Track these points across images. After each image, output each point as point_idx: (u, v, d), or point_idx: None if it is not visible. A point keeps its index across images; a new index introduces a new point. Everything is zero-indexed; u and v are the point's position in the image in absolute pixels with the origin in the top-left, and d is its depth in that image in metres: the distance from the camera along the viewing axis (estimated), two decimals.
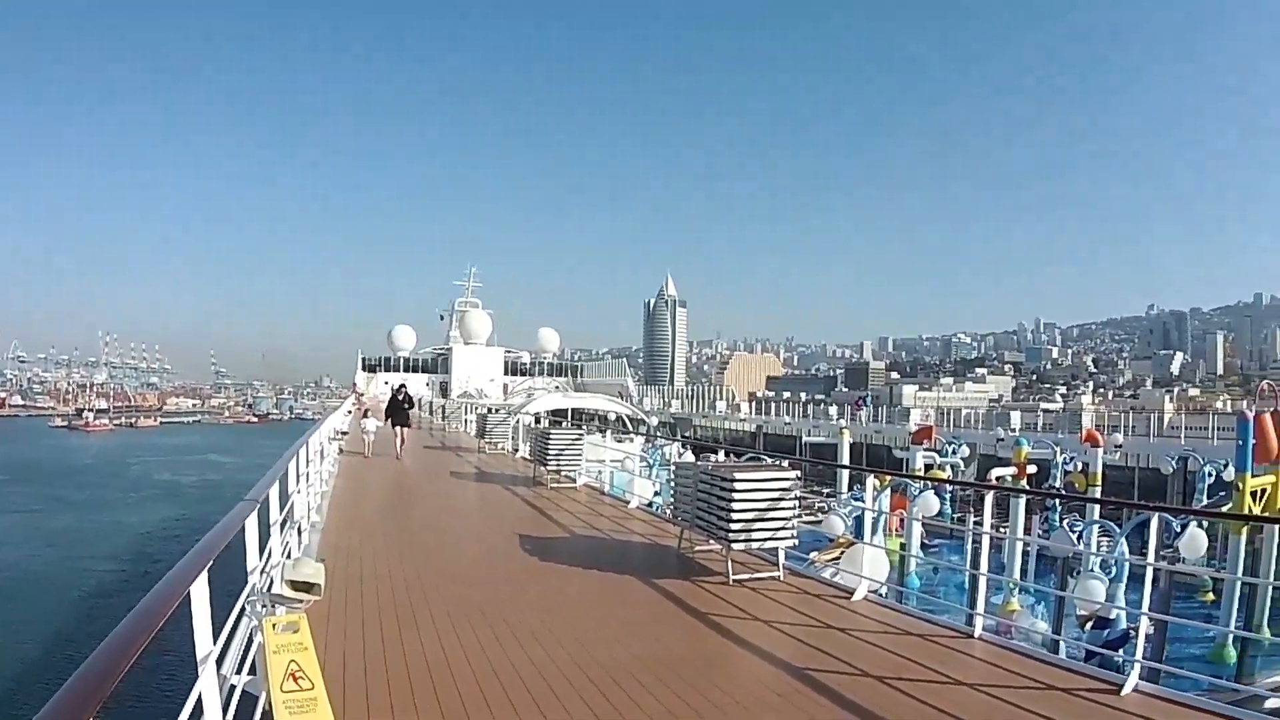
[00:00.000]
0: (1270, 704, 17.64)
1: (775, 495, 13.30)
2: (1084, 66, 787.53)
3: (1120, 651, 19.98)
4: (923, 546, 35.10)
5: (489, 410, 45.90)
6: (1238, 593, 25.45)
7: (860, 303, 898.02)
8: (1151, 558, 10.88)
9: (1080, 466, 38.22)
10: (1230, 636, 24.82)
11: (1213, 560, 30.81)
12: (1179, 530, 24.43)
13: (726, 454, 18.12)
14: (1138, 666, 8.70)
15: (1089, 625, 21.85)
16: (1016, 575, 29.03)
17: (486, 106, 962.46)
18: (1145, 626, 10.50)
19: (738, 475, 13.18)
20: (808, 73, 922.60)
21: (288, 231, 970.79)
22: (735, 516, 13.00)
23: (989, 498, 12.95)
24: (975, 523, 34.27)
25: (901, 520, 31.53)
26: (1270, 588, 26.07)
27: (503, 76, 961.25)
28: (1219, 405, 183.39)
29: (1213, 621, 27.71)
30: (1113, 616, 19.06)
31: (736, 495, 13.03)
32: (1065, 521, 28.72)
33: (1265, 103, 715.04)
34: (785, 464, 14.65)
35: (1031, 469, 36.96)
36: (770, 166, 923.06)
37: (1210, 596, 30.46)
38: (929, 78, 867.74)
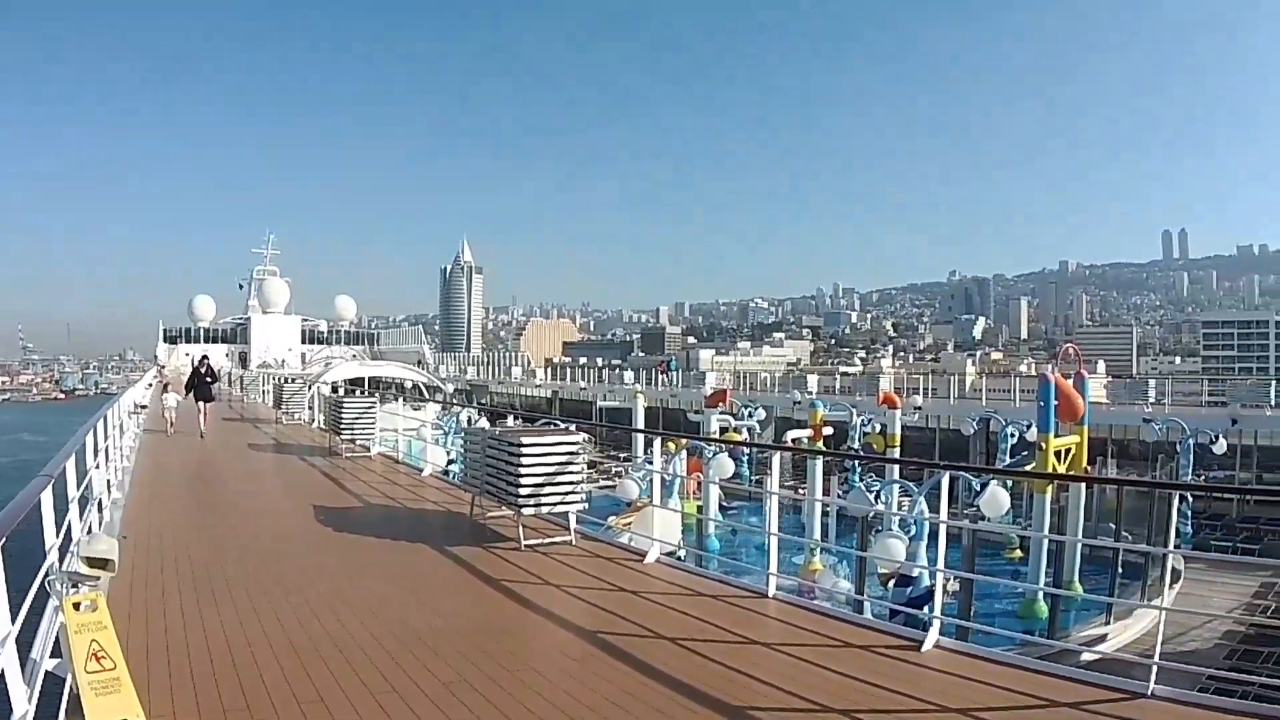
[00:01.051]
0: (1086, 657, 18.09)
1: (562, 459, 13.48)
2: (886, 28, 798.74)
3: (925, 609, 20.37)
4: (722, 509, 35.40)
5: (286, 380, 45.25)
6: (1045, 550, 26.16)
7: (657, 268, 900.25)
8: (944, 514, 10.98)
9: (878, 428, 38.87)
10: (1041, 592, 25.42)
11: (1019, 519, 31.49)
12: (980, 489, 24.92)
13: (516, 420, 17.94)
14: (937, 623, 8.85)
15: (892, 584, 22.23)
16: (817, 535, 29.49)
17: (278, 67, 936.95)
18: (942, 583, 10.69)
19: (524, 440, 13.35)
20: (593, 31, 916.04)
21: (88, 196, 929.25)
22: (524, 481, 13.14)
23: (776, 459, 12.98)
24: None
25: (699, 483, 31.66)
26: (1079, 544, 26.75)
27: (292, 35, 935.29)
28: (1023, 369, 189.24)
29: (1020, 578, 28.68)
30: (915, 574, 19.33)
31: (524, 460, 13.15)
32: (863, 482, 29.09)
33: (1069, 75, 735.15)
34: (573, 428, 14.57)
35: (828, 431, 37.77)
36: (561, 131, 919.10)
37: (1018, 554, 31.46)
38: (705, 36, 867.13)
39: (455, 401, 72.06)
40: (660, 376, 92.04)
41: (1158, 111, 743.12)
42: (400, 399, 29.99)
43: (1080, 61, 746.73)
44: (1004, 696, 7.48)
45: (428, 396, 63.19)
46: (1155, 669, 7.45)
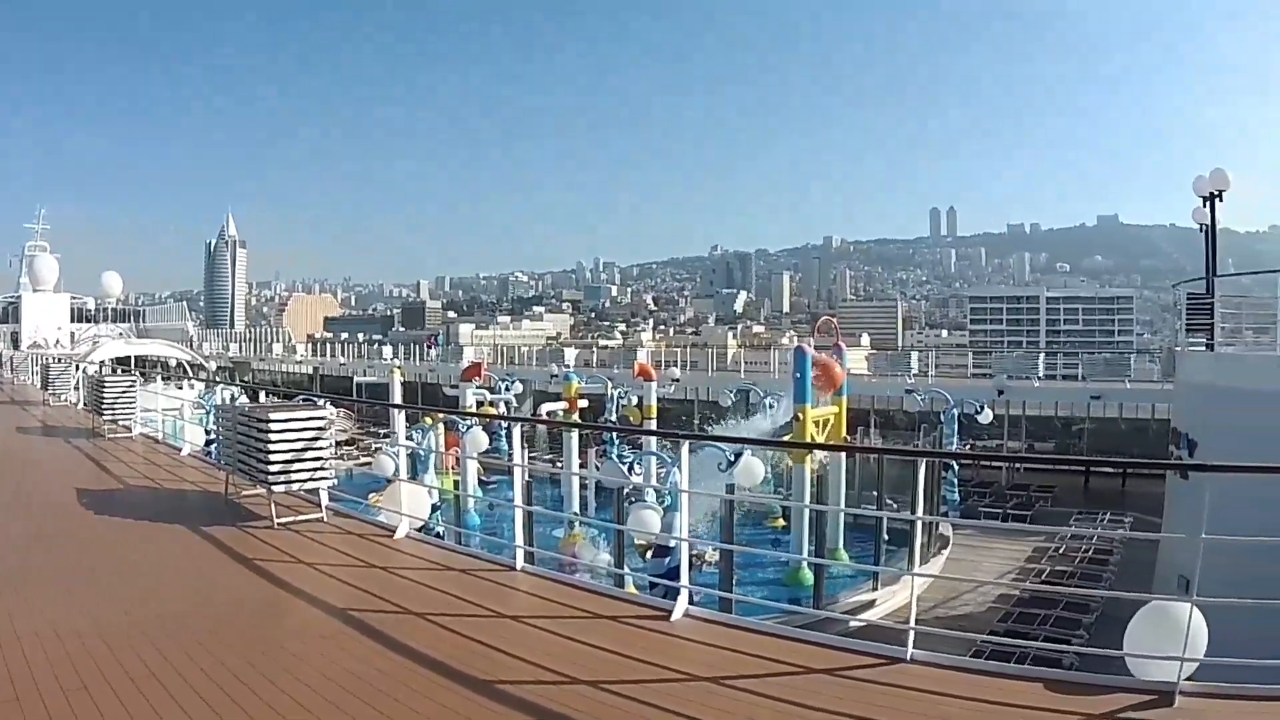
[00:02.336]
0: (855, 624, 18.59)
1: (312, 435, 13.64)
2: (648, 16, 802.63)
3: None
4: (482, 484, 35.37)
5: (53, 360, 43.71)
6: (806, 518, 26.61)
7: (417, 241, 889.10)
8: (684, 483, 11.17)
9: (634, 400, 39.21)
10: (805, 561, 25.87)
11: (782, 487, 32.09)
12: (734, 459, 25.30)
13: (267, 395, 17.73)
14: (685, 592, 8.88)
15: (650, 555, 22.49)
16: (576, 508, 29.66)
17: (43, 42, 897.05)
18: (687, 552, 10.79)
19: (272, 415, 13.50)
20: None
21: None
22: (273, 458, 13.21)
23: (517, 430, 13.05)
24: (531, 458, 34.80)
25: (458, 458, 31.60)
26: (840, 516, 27.44)
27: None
28: (784, 342, 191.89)
29: (782, 547, 29.21)
30: (672, 545, 19.60)
31: (272, 436, 13.24)
32: (617, 454, 29.38)
33: (835, 50, 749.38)
34: (322, 403, 14.46)
35: (583, 403, 37.88)
36: (321, 101, 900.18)
37: (781, 523, 31.94)
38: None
39: (219, 379, 70.66)
40: (429, 351, 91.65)
41: (926, 90, 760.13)
42: (162, 378, 29.38)
43: (845, 38, 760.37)
44: (757, 664, 7.51)
45: (191, 375, 61.51)
46: (913, 634, 7.65)
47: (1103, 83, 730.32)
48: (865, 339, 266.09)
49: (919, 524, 26.68)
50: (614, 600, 9.57)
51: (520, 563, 10.62)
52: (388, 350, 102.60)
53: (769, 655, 7.70)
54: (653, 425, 36.59)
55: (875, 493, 28.07)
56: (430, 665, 7.63)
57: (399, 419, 24.28)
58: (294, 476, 13.27)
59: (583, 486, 31.35)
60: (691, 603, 8.93)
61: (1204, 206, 26.50)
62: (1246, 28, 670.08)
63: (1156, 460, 27.74)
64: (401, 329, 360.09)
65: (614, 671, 7.50)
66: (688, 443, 10.41)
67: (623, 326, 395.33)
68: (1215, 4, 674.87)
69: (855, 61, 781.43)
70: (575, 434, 29.84)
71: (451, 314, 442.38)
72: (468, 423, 30.89)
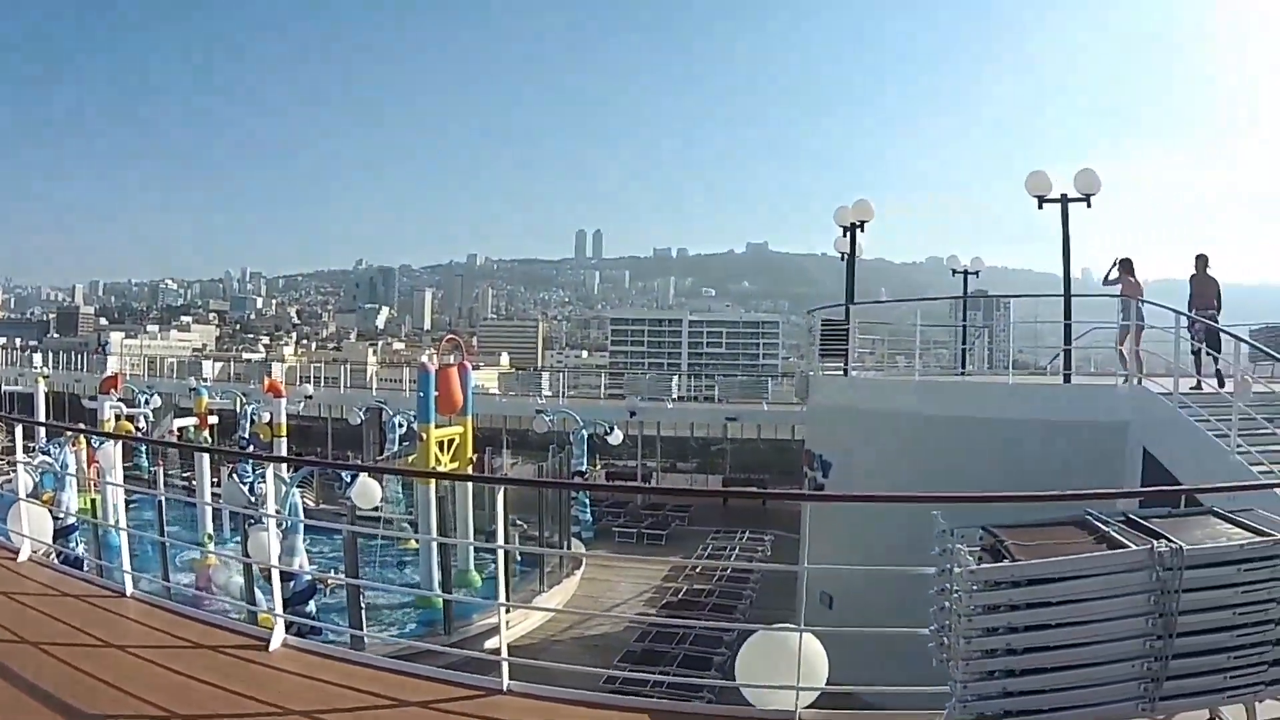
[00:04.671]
0: (490, 645, 18.51)
1: None
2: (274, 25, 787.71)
3: (311, 603, 20.30)
4: (126, 504, 34.08)
5: None
6: (434, 543, 26.39)
7: (72, 244, 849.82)
8: (285, 508, 10.95)
9: (267, 417, 38.43)
10: (436, 583, 25.65)
11: (414, 507, 31.86)
12: (350, 480, 25.01)
13: None
14: (281, 621, 8.60)
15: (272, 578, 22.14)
16: (209, 528, 28.84)
17: None
18: (278, 579, 10.62)
19: None
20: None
21: None
22: None
23: (117, 448, 12.54)
24: (168, 474, 33.69)
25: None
26: (469, 535, 27.34)
27: None
28: (423, 359, 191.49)
29: (412, 567, 29.41)
30: (296, 568, 19.22)
31: None
32: (236, 474, 28.77)
33: (473, 79, 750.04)
34: None
35: (214, 419, 36.80)
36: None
37: (414, 544, 31.56)
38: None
39: None
40: (93, 358, 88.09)
41: (576, 115, 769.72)
42: None
43: (487, 59, 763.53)
44: (353, 697, 7.41)
45: None
46: (506, 666, 7.61)
47: (757, 112, 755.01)
48: (505, 358, 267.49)
49: (560, 545, 27.11)
50: (214, 628, 9.16)
51: (130, 588, 10.20)
52: (37, 357, 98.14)
53: (363, 688, 7.58)
54: (283, 443, 35.92)
55: (500, 516, 28.12)
56: (38, 696, 7.18)
57: (17, 432, 23.55)
58: None
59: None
60: (299, 634, 8.72)
61: (844, 236, 27.47)
62: (893, 64, 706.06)
63: (750, 489, 28.72)
64: (56, 335, 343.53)
65: (211, 704, 7.19)
66: (281, 464, 10.18)
67: (267, 340, 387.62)
68: (867, 40, 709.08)
69: (499, 85, 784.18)
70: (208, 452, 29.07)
71: (104, 320, 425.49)
72: (99, 439, 29.57)
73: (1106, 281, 22.68)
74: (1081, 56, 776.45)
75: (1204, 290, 21.73)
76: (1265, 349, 19.33)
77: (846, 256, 27.52)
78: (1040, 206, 22.20)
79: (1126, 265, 22.67)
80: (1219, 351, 19.76)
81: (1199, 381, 18.71)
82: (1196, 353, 19.65)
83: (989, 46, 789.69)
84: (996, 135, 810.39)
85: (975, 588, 6.17)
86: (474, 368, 37.02)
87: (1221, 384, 18.50)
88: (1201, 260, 22.65)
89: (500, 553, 11.34)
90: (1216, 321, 20.46)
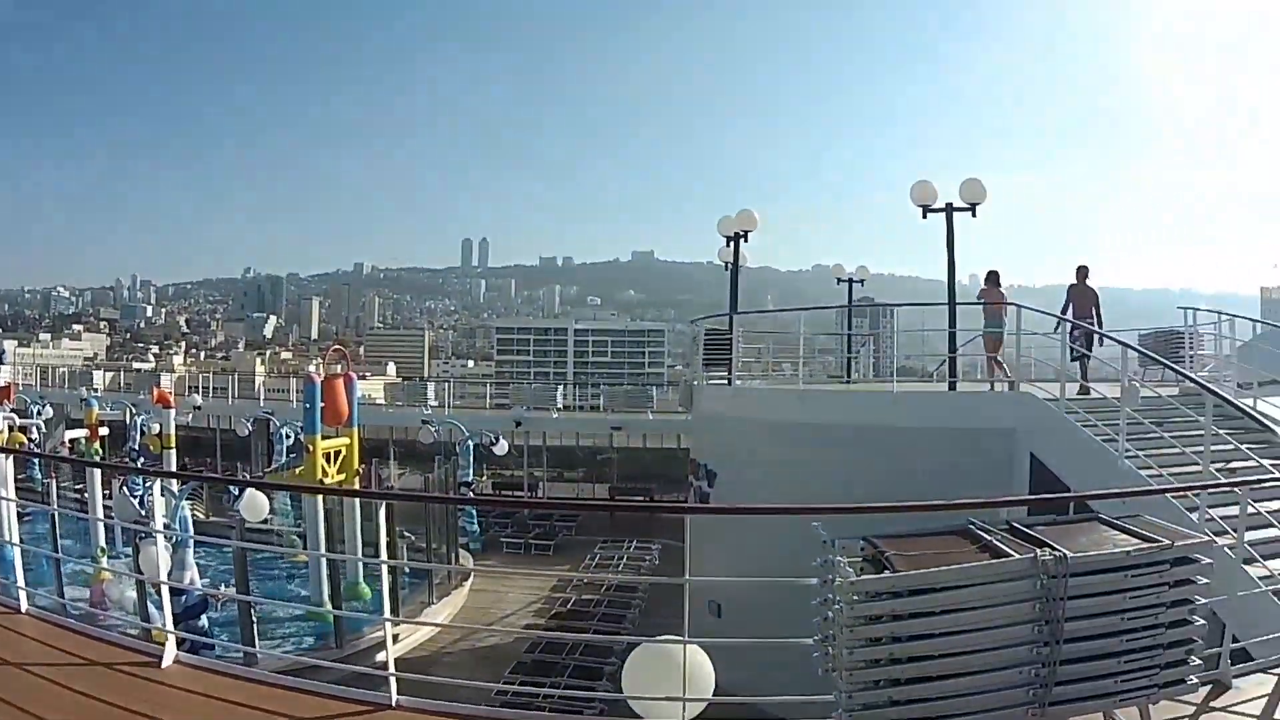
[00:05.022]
0: (380, 658, 18.29)
1: None
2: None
3: (203, 617, 19.93)
4: (20, 517, 33.38)
5: None
6: (323, 554, 26.07)
7: None
8: (167, 522, 10.70)
9: (156, 428, 37.82)
10: (326, 595, 25.34)
11: (301, 520, 31.50)
12: (238, 494, 24.65)
13: None
14: (172, 638, 8.46)
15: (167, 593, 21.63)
16: (101, 542, 28.33)
17: None
18: (168, 592, 10.36)
19: None
20: None
21: None
22: None
23: (9, 462, 12.22)
24: (61, 487, 33.05)
25: None
26: (359, 548, 27.01)
27: None
28: (311, 369, 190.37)
29: (302, 580, 28.93)
30: (187, 583, 18.87)
31: None
32: (125, 487, 28.22)
33: (369, 86, 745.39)
34: None
35: (104, 431, 36.05)
36: None
37: (303, 556, 31.17)
38: None
39: None
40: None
41: (459, 123, 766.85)
42: None
43: (382, 65, 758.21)
44: (244, 714, 7.34)
45: None
46: (394, 681, 7.50)
47: (643, 120, 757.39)
48: (391, 368, 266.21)
49: (449, 558, 26.88)
50: (112, 646, 8.97)
51: (25, 605, 9.92)
52: None
53: (255, 704, 7.52)
54: (172, 455, 35.37)
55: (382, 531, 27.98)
56: None
57: None
58: None
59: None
60: (192, 649, 8.54)
61: (728, 246, 27.53)
62: (784, 74, 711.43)
63: (630, 503, 28.65)
64: None
65: None
66: (156, 479, 9.98)
67: (156, 349, 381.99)
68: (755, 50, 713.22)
69: (387, 90, 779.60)
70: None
71: None
72: None
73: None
74: (979, 66, 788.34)
75: (1083, 300, 22.16)
76: (1149, 353, 19.57)
77: (730, 266, 27.67)
78: (925, 216, 22.49)
79: (992, 277, 23.27)
80: (1099, 358, 20.22)
81: (1083, 387, 19.02)
82: (1080, 359, 19.95)
83: (886, 55, 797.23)
84: (890, 143, 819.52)
85: (856, 599, 6.16)
86: (360, 378, 36.74)
87: (1085, 391, 18.86)
88: (1081, 271, 23.45)
89: (384, 568, 11.20)
90: (1090, 334, 20.88)
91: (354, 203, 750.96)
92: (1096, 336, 20.80)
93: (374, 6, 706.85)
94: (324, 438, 28.20)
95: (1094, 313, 22.02)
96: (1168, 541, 6.71)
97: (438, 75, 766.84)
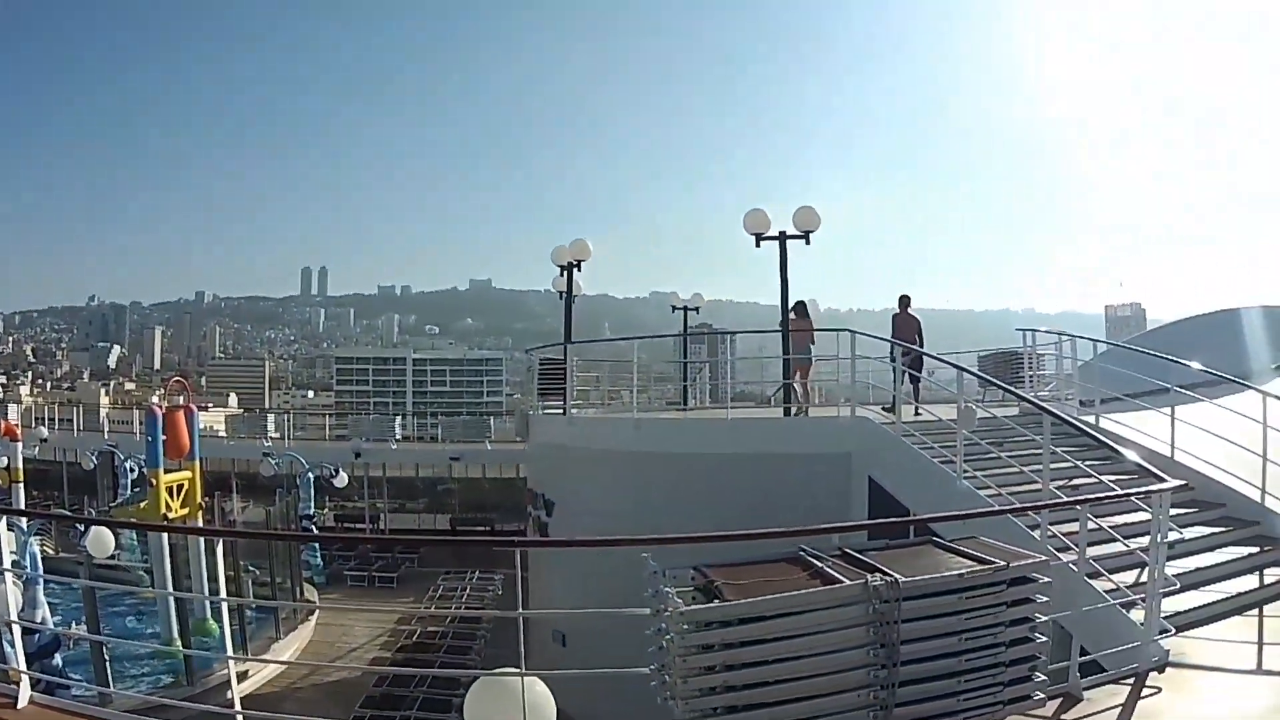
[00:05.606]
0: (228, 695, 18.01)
1: None
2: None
3: (57, 656, 19.41)
4: None
5: None
6: (170, 593, 25.55)
7: None
8: (6, 556, 10.44)
9: (4, 461, 36.78)
10: (176, 632, 24.80)
11: (148, 555, 30.88)
12: (84, 529, 24.12)
13: None
14: (26, 678, 8.21)
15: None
16: None
17: None
18: (19, 632, 10.05)
19: None
20: None
21: None
22: None
23: None
24: None
25: None
26: (205, 584, 26.53)
27: None
28: (155, 400, 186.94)
29: (151, 617, 28.35)
30: (39, 621, 18.38)
31: None
32: None
33: (207, 114, 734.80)
34: None
35: None
36: None
37: (150, 593, 30.53)
38: None
39: None
40: None
41: (300, 151, 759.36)
42: None
43: (230, 97, 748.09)
44: None
45: None
46: (241, 718, 7.38)
47: (479, 147, 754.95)
48: (233, 398, 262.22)
49: (293, 592, 26.50)
50: None
51: None
52: None
53: None
54: (20, 489, 34.46)
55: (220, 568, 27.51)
56: None
57: None
58: None
59: None
60: (47, 690, 8.30)
61: (562, 275, 27.61)
62: (618, 101, 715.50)
63: (468, 537, 28.61)
64: None
65: None
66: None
67: (4, 379, 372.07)
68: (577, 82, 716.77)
69: (219, 118, 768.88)
70: None
71: None
72: None
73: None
74: (813, 91, 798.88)
75: (906, 328, 22.61)
76: (982, 374, 19.99)
77: (565, 295, 27.74)
78: (758, 244, 22.60)
79: (799, 308, 23.87)
80: (936, 383, 20.74)
81: (917, 409, 19.31)
82: (912, 381, 20.27)
83: (718, 80, 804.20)
84: (727, 169, 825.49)
85: (687, 628, 6.18)
86: (202, 409, 36.13)
87: (917, 412, 19.19)
88: (903, 300, 24.07)
89: (224, 606, 11.00)
90: (919, 358, 21.36)
91: (196, 229, 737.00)
92: (928, 360, 21.24)
93: (230, 29, 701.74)
94: (166, 471, 27.61)
95: (917, 340, 22.39)
96: (1003, 563, 6.84)
97: (278, 101, 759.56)
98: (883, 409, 19.28)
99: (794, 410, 21.87)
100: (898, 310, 23.78)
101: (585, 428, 23.87)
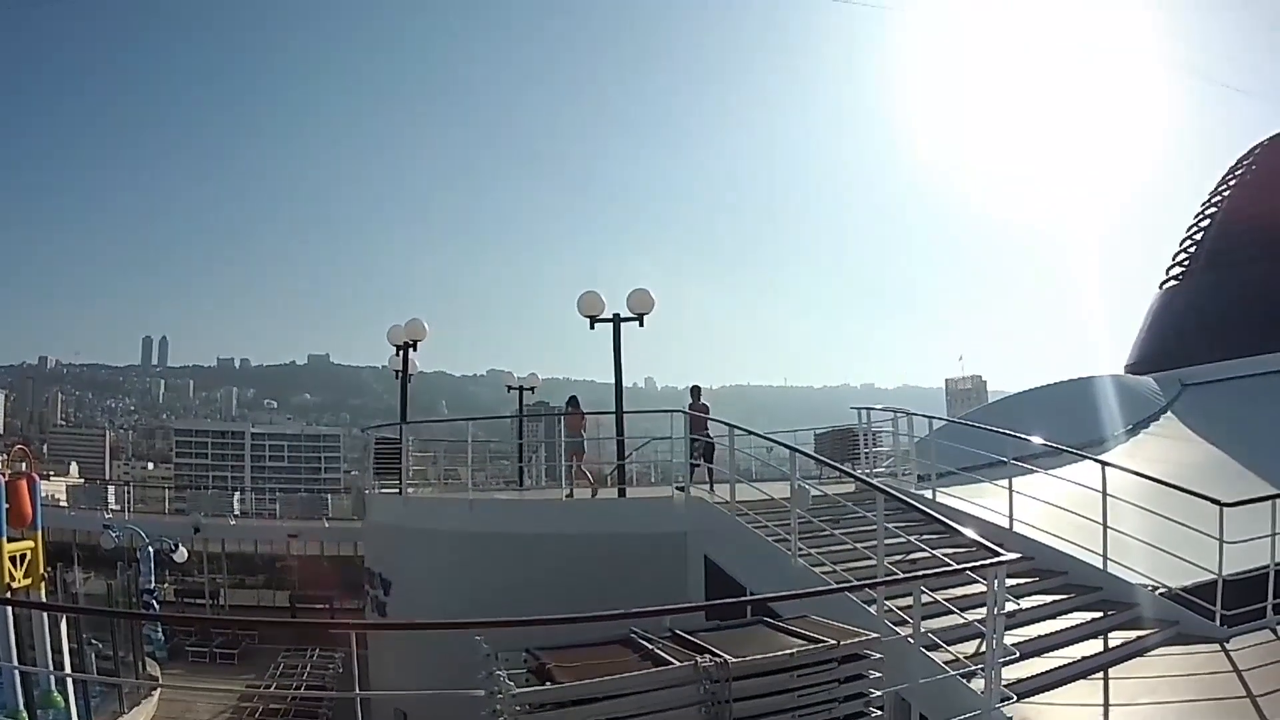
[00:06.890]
0: None
1: None
2: None
3: None
4: None
5: None
6: (15, 666, 24.78)
7: None
8: None
9: None
10: (21, 704, 24.10)
11: None
12: None
13: None
14: None
15: None
16: None
17: None
18: None
19: None
20: None
21: None
22: None
23: None
24: None
25: None
26: (49, 657, 25.91)
27: None
28: None
29: None
30: None
31: None
32: None
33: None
34: None
35: None
36: None
37: None
38: None
39: None
40: None
41: (145, 219, 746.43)
42: None
43: (108, 156, 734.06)
44: None
45: None
46: None
47: (320, 222, 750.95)
48: (74, 467, 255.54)
49: (135, 666, 25.84)
50: None
51: None
52: None
53: None
54: None
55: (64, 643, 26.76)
56: None
57: None
58: None
59: None
60: None
61: (398, 355, 27.53)
62: (452, 178, 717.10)
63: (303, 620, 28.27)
64: None
65: None
66: None
67: None
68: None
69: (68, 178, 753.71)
70: None
71: None
72: None
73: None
74: (645, 181, 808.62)
75: (696, 418, 22.87)
76: (814, 455, 20.24)
77: (400, 375, 27.65)
78: (592, 326, 22.60)
79: (573, 402, 25.63)
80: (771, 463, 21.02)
81: (711, 486, 19.60)
82: (693, 467, 20.30)
83: (540, 160, 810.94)
84: (563, 252, 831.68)
85: (519, 709, 6.14)
86: (44, 477, 35.22)
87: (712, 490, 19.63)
88: (694, 391, 25.03)
89: (69, 682, 10.71)
90: (709, 441, 21.66)
91: (39, 291, 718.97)
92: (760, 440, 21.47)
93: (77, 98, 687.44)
94: (9, 540, 26.78)
95: (706, 427, 22.59)
96: (833, 641, 6.89)
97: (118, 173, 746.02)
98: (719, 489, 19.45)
99: (570, 493, 21.92)
100: (690, 400, 24.11)
101: (421, 508, 23.56)
